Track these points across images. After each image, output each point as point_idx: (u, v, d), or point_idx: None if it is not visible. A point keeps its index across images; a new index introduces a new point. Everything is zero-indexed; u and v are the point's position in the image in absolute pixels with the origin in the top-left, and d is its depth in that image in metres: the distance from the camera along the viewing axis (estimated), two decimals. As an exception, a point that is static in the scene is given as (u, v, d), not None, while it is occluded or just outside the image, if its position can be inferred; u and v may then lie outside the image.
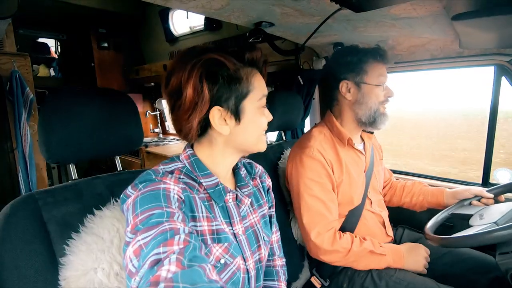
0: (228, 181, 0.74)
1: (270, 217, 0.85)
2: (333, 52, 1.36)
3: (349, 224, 1.09)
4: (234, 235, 0.69)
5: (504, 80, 1.19)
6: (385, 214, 1.20)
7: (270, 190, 0.87)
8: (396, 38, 1.27)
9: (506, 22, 0.64)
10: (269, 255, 0.86)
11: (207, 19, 2.36)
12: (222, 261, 0.63)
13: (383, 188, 1.35)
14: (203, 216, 0.63)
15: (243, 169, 0.80)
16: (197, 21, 2.59)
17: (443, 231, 0.99)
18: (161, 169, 0.65)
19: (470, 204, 1.05)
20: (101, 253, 0.70)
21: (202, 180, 0.66)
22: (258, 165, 0.87)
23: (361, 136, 1.20)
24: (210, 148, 0.69)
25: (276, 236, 0.88)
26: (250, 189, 0.76)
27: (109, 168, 3.52)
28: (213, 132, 0.66)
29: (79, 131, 0.79)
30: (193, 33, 2.64)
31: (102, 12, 2.79)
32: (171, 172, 0.64)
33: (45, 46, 3.75)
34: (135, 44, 3.46)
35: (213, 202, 0.67)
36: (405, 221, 1.37)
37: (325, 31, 1.23)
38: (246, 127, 0.66)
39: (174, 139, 3.31)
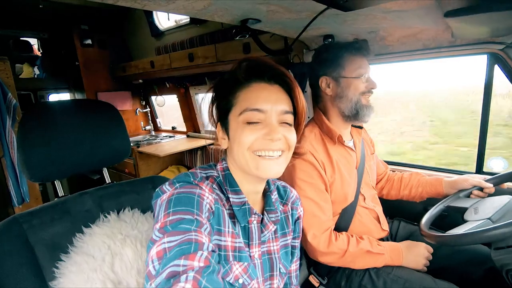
0: (256, 203, 0.71)
1: (293, 247, 0.80)
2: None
3: (343, 222, 1.09)
4: (250, 257, 0.66)
5: (497, 68, 1.17)
6: (379, 209, 1.20)
7: (300, 220, 0.82)
8: (387, 29, 1.24)
9: (500, 17, 0.61)
10: (286, 284, 0.81)
11: (192, 12, 2.29)
12: (241, 281, 0.62)
13: (379, 182, 1.35)
14: (228, 231, 0.62)
15: (275, 192, 0.75)
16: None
17: (439, 221, 1.00)
18: (199, 173, 0.65)
19: (469, 195, 1.05)
20: (92, 272, 0.69)
21: (230, 196, 0.65)
22: (293, 191, 0.83)
23: (350, 133, 1.19)
24: (233, 166, 0.68)
25: (295, 265, 0.83)
26: (278, 216, 0.72)
27: (100, 177, 3.46)
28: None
29: (61, 147, 0.76)
30: (179, 27, 2.56)
31: (83, 8, 2.68)
32: (207, 178, 0.65)
33: (27, 44, 3.62)
34: (120, 40, 3.34)
35: (236, 219, 0.65)
36: (400, 213, 1.37)
37: (315, 25, 1.19)
38: (232, 143, 0.65)
39: (166, 136, 3.26)
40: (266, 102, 0.62)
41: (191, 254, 0.47)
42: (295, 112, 0.67)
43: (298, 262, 0.85)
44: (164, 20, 2.73)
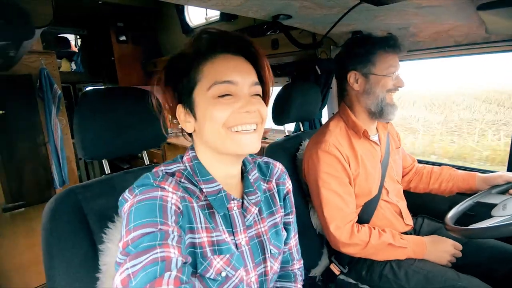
0: (234, 187, 0.67)
1: (287, 224, 0.79)
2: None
3: (365, 215, 1.11)
4: (236, 246, 0.63)
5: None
6: (402, 204, 1.20)
7: (290, 195, 0.78)
8: (418, 25, 1.23)
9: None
10: (287, 262, 0.82)
11: (222, 10, 2.36)
12: (223, 274, 0.59)
13: (406, 175, 1.34)
14: (202, 227, 0.59)
15: (254, 171, 0.71)
16: (212, 11, 2.58)
17: (464, 219, 0.99)
18: (162, 170, 0.61)
19: (502, 192, 1.02)
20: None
21: (203, 186, 0.61)
22: (278, 165, 0.79)
23: (376, 127, 1.20)
24: (200, 150, 0.64)
25: (294, 240, 0.82)
26: (258, 196, 0.68)
27: (132, 159, 3.68)
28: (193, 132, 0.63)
29: (110, 129, 0.84)
30: (209, 24, 2.64)
31: (120, 6, 2.84)
32: (172, 174, 0.61)
33: (66, 40, 3.88)
34: (152, 37, 3.50)
35: (214, 210, 0.62)
36: (425, 210, 1.36)
37: (344, 20, 1.21)
38: (201, 122, 0.59)
39: (192, 129, 3.38)
40: (237, 73, 0.58)
41: (158, 279, 0.44)
42: (262, 83, 0.63)
43: (297, 236, 0.83)
44: (195, 17, 2.83)
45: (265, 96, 0.65)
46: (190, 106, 0.60)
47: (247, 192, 0.67)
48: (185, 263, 0.50)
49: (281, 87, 1.36)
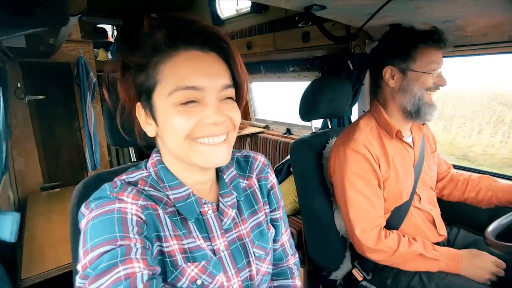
0: (207, 191, 0.61)
1: (275, 220, 0.72)
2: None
3: (394, 221, 1.05)
4: (214, 252, 0.58)
5: None
6: (436, 212, 1.12)
7: (275, 189, 0.72)
8: (466, 18, 1.12)
9: None
10: (281, 259, 0.77)
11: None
12: (199, 282, 0.54)
13: (440, 181, 1.25)
14: (170, 234, 0.53)
15: (231, 169, 0.66)
16: (243, 3, 2.55)
17: (507, 235, 0.91)
18: (122, 180, 0.55)
19: None
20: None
21: (169, 193, 0.55)
22: (260, 157, 0.71)
23: (410, 128, 1.12)
24: (164, 156, 0.58)
25: (286, 235, 0.76)
26: (234, 198, 0.63)
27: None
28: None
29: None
30: (239, 16, 2.62)
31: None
32: (135, 184, 0.55)
33: (104, 31, 4.05)
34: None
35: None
36: (461, 219, 1.26)
37: (381, 12, 1.13)
38: (163, 130, 0.52)
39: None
40: (203, 76, 0.49)
41: None
42: (235, 83, 0.55)
43: (288, 230, 0.77)
44: (226, 9, 2.82)
45: (239, 99, 0.57)
46: (150, 109, 0.52)
47: (222, 194, 0.62)
48: (153, 275, 0.46)
49: (309, 82, 1.31)
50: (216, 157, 0.52)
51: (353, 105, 1.73)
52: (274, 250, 0.75)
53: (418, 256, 0.94)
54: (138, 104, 0.54)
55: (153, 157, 0.59)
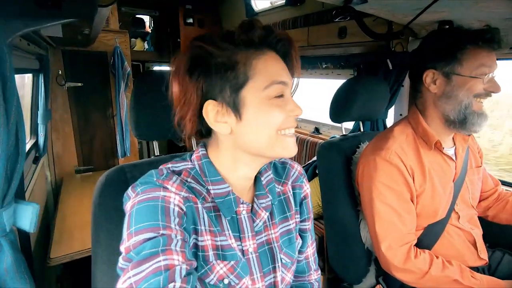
0: (245, 190, 0.63)
1: (303, 231, 0.72)
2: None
3: (426, 239, 0.95)
4: (243, 252, 0.59)
5: None
6: (477, 232, 1.00)
7: (308, 199, 0.72)
8: (535, 15, 0.97)
9: None
10: (304, 271, 0.76)
11: (289, -7, 2.24)
12: (226, 281, 0.56)
13: (484, 199, 1.12)
14: (206, 229, 0.56)
15: (269, 172, 0.67)
16: (279, -5, 2.48)
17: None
18: (167, 168, 0.58)
19: None
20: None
21: (210, 187, 0.57)
22: (296, 166, 0.72)
23: (452, 138, 1.00)
24: (219, 151, 0.59)
25: (312, 248, 0.76)
26: (269, 200, 0.63)
27: (185, 145, 3.87)
28: (217, 132, 0.56)
29: (163, 112, 0.84)
30: (273, 8, 2.55)
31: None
32: (179, 173, 0.57)
33: (142, 21, 4.17)
34: (215, 20, 3.55)
35: (221, 212, 0.58)
36: (505, 243, 1.13)
37: (431, 7, 1.01)
38: (249, 124, 0.53)
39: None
40: (286, 74, 0.55)
41: None
42: None
43: (314, 244, 0.76)
44: (260, 1, 2.76)
45: None
46: (233, 105, 0.53)
47: (258, 195, 0.63)
48: (190, 271, 0.47)
49: (343, 81, 1.23)
50: (295, 147, 0.56)
51: (390, 108, 1.61)
52: (298, 262, 0.74)
53: (453, 282, 0.85)
54: (210, 102, 0.53)
55: (199, 151, 0.60)
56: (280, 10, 2.45)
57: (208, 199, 0.57)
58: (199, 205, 0.56)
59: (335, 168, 1.16)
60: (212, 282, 0.54)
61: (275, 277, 0.63)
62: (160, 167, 0.59)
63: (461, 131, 0.92)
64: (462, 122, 0.88)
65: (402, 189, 0.91)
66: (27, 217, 0.57)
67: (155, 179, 0.53)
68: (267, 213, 0.63)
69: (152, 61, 3.97)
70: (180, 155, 0.72)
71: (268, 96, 0.53)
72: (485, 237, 1.03)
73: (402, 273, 0.89)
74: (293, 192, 0.69)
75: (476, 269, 0.94)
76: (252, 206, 0.62)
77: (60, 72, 2.24)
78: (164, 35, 3.92)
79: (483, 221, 1.08)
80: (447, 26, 1.16)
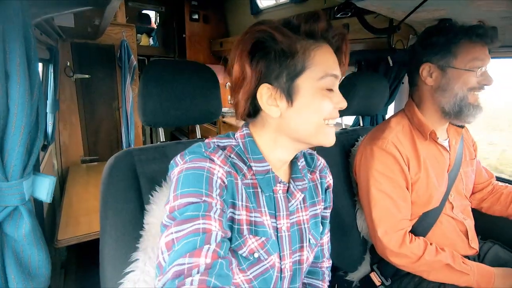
0: (282, 172, 0.67)
1: (324, 218, 0.77)
2: None
3: (421, 227, 0.99)
4: (277, 230, 0.63)
5: None
6: (469, 223, 1.04)
7: (330, 189, 0.78)
8: (530, 14, 1.00)
9: None
10: (318, 258, 0.81)
11: (294, -9, 2.27)
12: (256, 255, 0.59)
13: (479, 191, 1.16)
14: (242, 204, 0.59)
15: (302, 159, 0.71)
16: (283, -7, 2.51)
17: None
18: (214, 142, 0.61)
19: None
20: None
21: (252, 164, 0.61)
22: (321, 158, 0.77)
23: (446, 131, 1.04)
24: (263, 131, 0.62)
25: (327, 237, 0.81)
26: (305, 183, 0.68)
27: (190, 132, 3.92)
28: (265, 113, 0.59)
29: (169, 100, 0.88)
30: (278, 6, 2.58)
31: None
32: (223, 148, 0.61)
33: (148, 17, 4.21)
34: (220, 16, 3.59)
35: (259, 190, 0.62)
36: (496, 235, 1.16)
37: (430, 5, 1.04)
38: (300, 110, 0.57)
39: (248, 112, 3.44)
40: (338, 68, 0.58)
41: (197, 250, 0.45)
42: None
43: (329, 233, 0.81)
44: (265, -2, 2.79)
45: None
46: (287, 91, 0.56)
47: (294, 178, 0.67)
48: (224, 238, 0.51)
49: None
50: (334, 138, 0.60)
51: (389, 104, 1.65)
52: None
53: (445, 267, 0.88)
54: (264, 85, 0.56)
55: (242, 130, 0.64)
56: (285, 8, 2.48)
57: (248, 176, 0.61)
58: (239, 181, 0.59)
59: (333, 160, 1.19)
60: (244, 255, 0.58)
61: (301, 255, 0.67)
62: (206, 140, 0.63)
63: (456, 121, 0.96)
64: (457, 114, 0.92)
65: (397, 177, 0.95)
66: (45, 188, 0.62)
67: (203, 150, 0.57)
68: (303, 195, 0.67)
69: (158, 56, 4.02)
70: (192, 141, 0.75)
71: (322, 87, 0.56)
72: (477, 229, 1.06)
73: (397, 257, 0.93)
74: (320, 181, 0.75)
75: (466, 257, 0.97)
76: (288, 187, 0.66)
77: (68, 64, 2.30)
78: (170, 31, 3.97)
79: (476, 213, 1.12)
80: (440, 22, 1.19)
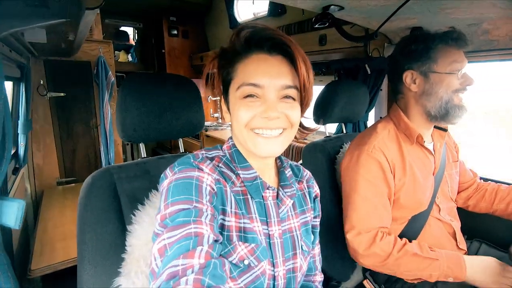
0: (269, 179, 0.68)
1: (314, 227, 0.78)
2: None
3: (411, 230, 0.99)
4: (269, 236, 0.63)
5: None
6: (456, 224, 1.05)
7: (318, 198, 0.79)
8: (494, 21, 1.07)
9: None
10: (310, 270, 0.80)
11: (271, 4, 2.33)
12: (246, 262, 0.59)
13: (464, 190, 1.18)
14: (231, 211, 0.60)
15: (289, 169, 0.73)
16: (261, 7, 2.57)
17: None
18: (202, 154, 0.64)
19: None
20: (161, 225, 0.76)
21: (240, 172, 0.63)
22: (307, 170, 0.80)
23: (431, 135, 1.06)
24: (238, 141, 0.66)
25: (318, 248, 0.81)
26: (293, 190, 0.69)
27: (173, 147, 3.84)
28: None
29: (149, 114, 0.85)
30: (256, 19, 2.63)
31: (173, 0, 2.97)
32: (212, 159, 0.63)
33: (126, 34, 4.17)
34: (199, 31, 3.61)
35: (249, 196, 0.63)
36: (482, 234, 1.18)
37: (402, 14, 1.09)
38: (232, 119, 0.63)
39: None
40: (264, 76, 0.57)
41: (190, 252, 0.46)
42: (300, 87, 0.60)
43: (319, 246, 0.82)
44: (243, 13, 2.84)
45: (303, 99, 0.61)
46: (227, 100, 0.63)
47: (282, 185, 0.68)
48: (216, 240, 0.52)
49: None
50: (268, 149, 0.59)
51: (370, 111, 1.69)
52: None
53: (413, 257, 0.87)
54: (222, 97, 0.65)
55: (229, 142, 0.68)
56: (263, 21, 2.53)
57: (237, 183, 0.63)
58: (228, 189, 0.61)
59: (319, 168, 1.19)
60: (234, 262, 0.58)
61: (294, 263, 0.66)
62: (195, 152, 0.65)
63: (442, 123, 0.98)
64: (444, 116, 0.94)
65: (380, 184, 0.95)
66: (13, 213, 0.56)
67: (192, 161, 0.59)
68: (292, 201, 0.69)
69: (136, 72, 3.97)
70: (175, 155, 0.75)
71: (239, 96, 0.59)
72: (462, 229, 1.08)
73: (366, 258, 0.91)
74: (308, 190, 0.76)
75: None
76: (278, 194, 0.67)
77: (42, 82, 2.21)
78: (149, 47, 3.94)
79: (461, 213, 1.14)
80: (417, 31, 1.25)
